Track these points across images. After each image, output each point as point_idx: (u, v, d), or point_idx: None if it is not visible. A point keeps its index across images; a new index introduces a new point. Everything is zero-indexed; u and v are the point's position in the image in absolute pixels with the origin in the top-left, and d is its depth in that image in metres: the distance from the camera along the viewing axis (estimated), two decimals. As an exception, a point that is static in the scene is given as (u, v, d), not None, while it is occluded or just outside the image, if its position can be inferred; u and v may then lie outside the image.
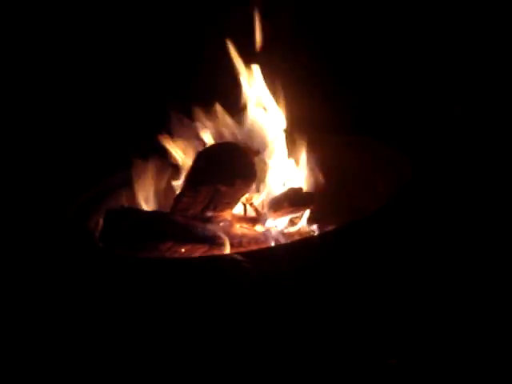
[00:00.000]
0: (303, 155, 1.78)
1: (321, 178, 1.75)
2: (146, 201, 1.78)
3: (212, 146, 1.82)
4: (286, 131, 1.81)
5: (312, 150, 1.77)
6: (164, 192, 1.82)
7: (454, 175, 1.89)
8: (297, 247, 1.54)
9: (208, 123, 1.86)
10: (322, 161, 1.77)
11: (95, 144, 2.37)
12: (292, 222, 1.73)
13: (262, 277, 1.45)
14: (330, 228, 1.64)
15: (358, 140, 1.95)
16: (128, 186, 1.79)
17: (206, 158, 1.78)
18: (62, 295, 1.67)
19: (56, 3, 2.36)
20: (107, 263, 1.58)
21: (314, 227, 1.70)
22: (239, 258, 1.46)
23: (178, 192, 1.77)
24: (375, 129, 2.00)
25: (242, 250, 1.61)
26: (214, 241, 1.62)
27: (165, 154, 1.84)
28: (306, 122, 1.86)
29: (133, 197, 1.78)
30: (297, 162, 1.80)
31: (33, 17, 2.37)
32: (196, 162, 1.78)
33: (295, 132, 1.79)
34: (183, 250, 1.62)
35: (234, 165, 1.73)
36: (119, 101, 2.40)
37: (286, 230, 1.70)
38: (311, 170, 1.76)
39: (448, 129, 2.09)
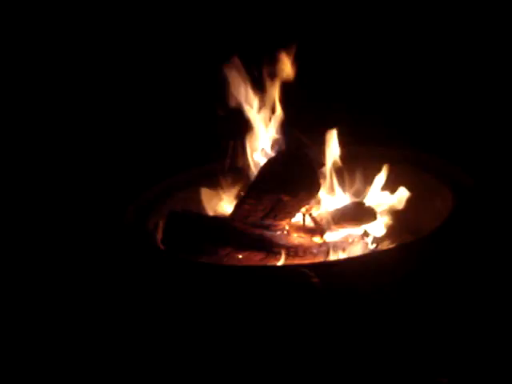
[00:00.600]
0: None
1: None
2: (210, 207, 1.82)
3: (278, 156, 1.83)
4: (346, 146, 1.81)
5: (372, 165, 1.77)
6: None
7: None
8: (367, 261, 1.54)
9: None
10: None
11: (161, 143, 2.43)
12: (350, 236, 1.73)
13: (326, 290, 1.45)
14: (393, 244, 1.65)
15: (416, 156, 1.93)
16: (188, 188, 1.85)
17: (271, 167, 1.80)
18: (121, 294, 1.70)
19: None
20: (168, 265, 1.61)
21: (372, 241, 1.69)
22: (303, 271, 1.49)
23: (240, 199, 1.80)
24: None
25: (297, 259, 1.62)
26: (271, 249, 1.64)
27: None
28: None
29: (191, 200, 1.82)
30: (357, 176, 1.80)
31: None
32: (261, 170, 1.81)
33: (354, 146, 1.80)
34: (240, 256, 1.65)
35: (298, 176, 1.74)
36: (190, 102, 2.45)
37: (342, 243, 1.69)
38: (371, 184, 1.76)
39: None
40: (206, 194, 1.83)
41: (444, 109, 2.30)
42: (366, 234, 1.70)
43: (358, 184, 1.82)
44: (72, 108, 2.54)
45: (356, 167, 1.83)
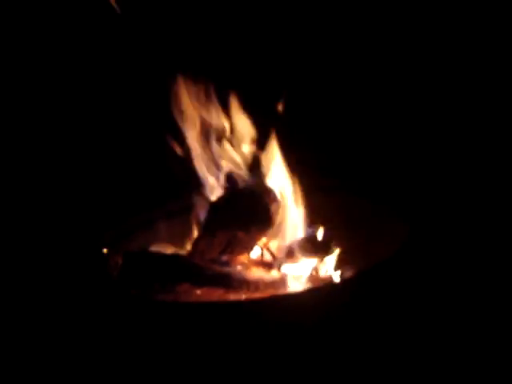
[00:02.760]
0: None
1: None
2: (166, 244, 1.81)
3: (231, 192, 1.85)
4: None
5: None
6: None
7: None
8: (315, 294, 1.55)
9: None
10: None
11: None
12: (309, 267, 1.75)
13: (279, 323, 1.46)
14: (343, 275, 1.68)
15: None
16: (149, 225, 1.84)
17: (224, 203, 1.82)
18: (80, 331, 1.65)
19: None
20: (123, 302, 1.59)
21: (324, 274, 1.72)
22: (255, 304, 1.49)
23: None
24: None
25: (258, 293, 1.63)
26: (231, 284, 1.64)
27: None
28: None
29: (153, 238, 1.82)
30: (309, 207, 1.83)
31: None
32: (214, 206, 1.82)
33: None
34: (199, 292, 1.64)
35: (250, 211, 1.77)
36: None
37: (300, 275, 1.71)
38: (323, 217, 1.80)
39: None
40: (166, 231, 1.84)
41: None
42: (319, 265, 1.73)
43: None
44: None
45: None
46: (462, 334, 1.59)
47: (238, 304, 1.59)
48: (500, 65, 2.31)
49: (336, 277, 1.69)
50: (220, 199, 1.84)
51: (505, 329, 1.59)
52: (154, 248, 1.80)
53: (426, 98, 2.37)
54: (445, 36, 2.32)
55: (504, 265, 1.80)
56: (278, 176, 1.84)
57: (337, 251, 1.72)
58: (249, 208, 1.78)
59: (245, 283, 1.64)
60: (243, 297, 1.62)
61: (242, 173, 1.87)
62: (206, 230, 1.79)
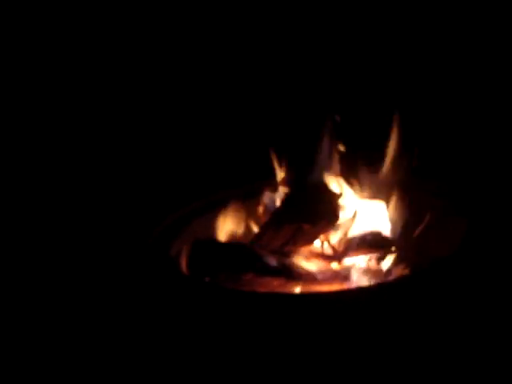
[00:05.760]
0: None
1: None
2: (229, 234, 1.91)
3: (299, 187, 1.93)
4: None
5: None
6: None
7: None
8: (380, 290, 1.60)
9: None
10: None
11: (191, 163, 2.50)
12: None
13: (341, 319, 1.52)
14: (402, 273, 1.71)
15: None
16: (205, 215, 1.95)
17: (292, 198, 1.90)
18: (145, 319, 1.73)
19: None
20: (194, 291, 1.68)
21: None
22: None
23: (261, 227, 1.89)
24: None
25: (315, 286, 1.69)
26: (290, 275, 1.71)
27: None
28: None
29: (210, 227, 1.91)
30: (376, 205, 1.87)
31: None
32: (283, 200, 1.91)
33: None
34: (261, 281, 1.72)
35: (318, 205, 1.84)
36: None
37: (361, 271, 1.76)
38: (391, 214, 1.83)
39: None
40: (225, 220, 1.92)
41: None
42: (380, 259, 1.77)
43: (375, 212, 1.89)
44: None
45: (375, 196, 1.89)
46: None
47: (301, 296, 1.66)
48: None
49: (393, 274, 1.73)
50: (289, 193, 1.92)
51: None
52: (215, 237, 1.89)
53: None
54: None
55: None
56: (341, 172, 1.90)
57: (395, 248, 1.76)
58: (316, 202, 1.85)
59: (305, 275, 1.72)
60: (302, 288, 1.69)
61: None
62: (273, 221, 1.87)
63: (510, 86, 2.32)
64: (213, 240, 1.87)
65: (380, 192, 1.89)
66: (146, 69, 2.57)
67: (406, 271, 1.72)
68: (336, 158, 1.90)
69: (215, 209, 1.96)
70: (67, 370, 1.68)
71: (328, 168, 1.92)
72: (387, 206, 1.86)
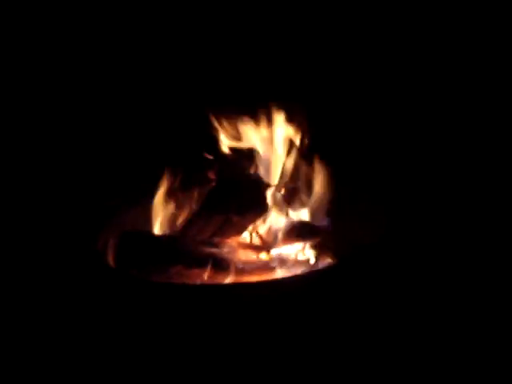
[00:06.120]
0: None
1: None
2: (157, 225, 1.89)
3: (227, 178, 1.93)
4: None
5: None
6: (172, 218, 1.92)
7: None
8: (301, 279, 1.63)
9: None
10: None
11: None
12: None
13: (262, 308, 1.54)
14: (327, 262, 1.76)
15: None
16: (131, 207, 1.93)
17: (220, 188, 1.90)
18: (74, 312, 1.70)
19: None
20: (120, 284, 1.66)
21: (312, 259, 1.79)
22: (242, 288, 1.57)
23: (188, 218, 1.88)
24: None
25: (245, 275, 1.71)
26: (220, 266, 1.72)
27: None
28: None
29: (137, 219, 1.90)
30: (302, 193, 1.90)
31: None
32: (211, 191, 1.90)
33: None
34: (190, 273, 1.72)
35: (246, 197, 1.85)
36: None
37: (286, 260, 1.79)
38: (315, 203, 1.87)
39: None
40: (153, 212, 1.89)
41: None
42: (306, 249, 1.80)
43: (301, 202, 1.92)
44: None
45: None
46: (443, 320, 1.66)
47: (225, 287, 1.66)
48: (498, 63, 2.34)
49: (320, 262, 1.77)
50: (217, 185, 1.92)
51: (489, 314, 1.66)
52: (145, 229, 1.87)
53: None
54: (444, 37, 2.36)
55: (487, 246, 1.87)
56: (270, 163, 1.92)
57: (321, 237, 1.79)
58: (244, 193, 1.86)
59: (233, 266, 1.73)
60: (230, 279, 1.70)
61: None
62: (201, 212, 1.87)
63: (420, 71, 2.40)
64: (141, 232, 1.85)
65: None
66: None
67: (332, 259, 1.76)
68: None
69: (143, 200, 1.93)
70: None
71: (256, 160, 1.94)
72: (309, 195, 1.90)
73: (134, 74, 2.46)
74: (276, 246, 1.80)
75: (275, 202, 1.87)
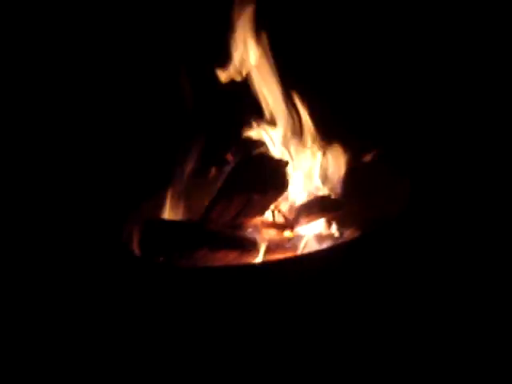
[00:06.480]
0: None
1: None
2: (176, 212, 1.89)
3: (245, 158, 1.92)
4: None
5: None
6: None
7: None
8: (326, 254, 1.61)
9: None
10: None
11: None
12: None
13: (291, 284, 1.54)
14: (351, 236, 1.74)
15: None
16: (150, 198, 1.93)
17: (240, 169, 1.89)
18: (103, 304, 1.74)
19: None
20: (149, 272, 1.67)
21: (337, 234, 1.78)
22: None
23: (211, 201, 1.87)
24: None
25: (270, 255, 1.70)
26: (246, 246, 1.71)
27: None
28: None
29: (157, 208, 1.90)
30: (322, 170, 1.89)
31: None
32: (231, 172, 1.89)
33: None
34: (216, 256, 1.72)
35: (266, 175, 1.84)
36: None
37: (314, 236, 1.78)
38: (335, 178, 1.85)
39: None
40: (172, 200, 1.89)
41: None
42: (330, 223, 1.79)
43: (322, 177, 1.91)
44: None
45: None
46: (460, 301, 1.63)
47: (252, 267, 1.65)
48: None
49: (344, 237, 1.75)
50: (236, 166, 1.91)
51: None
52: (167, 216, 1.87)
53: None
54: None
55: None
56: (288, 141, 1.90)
57: (344, 210, 1.78)
58: (264, 172, 1.84)
59: (259, 245, 1.72)
60: (258, 259, 1.70)
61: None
62: (222, 194, 1.86)
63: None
64: (163, 219, 1.85)
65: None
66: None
67: (357, 233, 1.75)
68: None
69: (163, 190, 1.93)
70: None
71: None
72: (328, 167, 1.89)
73: (154, 69, 2.46)
74: (299, 222, 1.79)
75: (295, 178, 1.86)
